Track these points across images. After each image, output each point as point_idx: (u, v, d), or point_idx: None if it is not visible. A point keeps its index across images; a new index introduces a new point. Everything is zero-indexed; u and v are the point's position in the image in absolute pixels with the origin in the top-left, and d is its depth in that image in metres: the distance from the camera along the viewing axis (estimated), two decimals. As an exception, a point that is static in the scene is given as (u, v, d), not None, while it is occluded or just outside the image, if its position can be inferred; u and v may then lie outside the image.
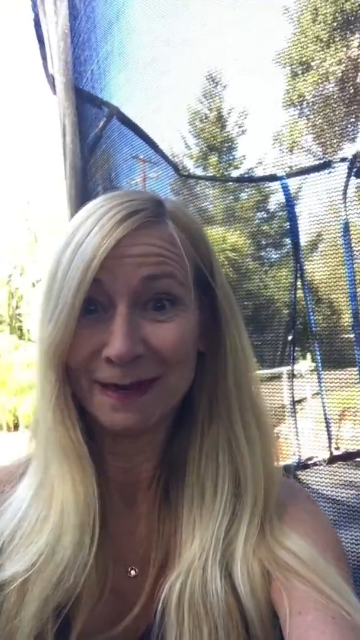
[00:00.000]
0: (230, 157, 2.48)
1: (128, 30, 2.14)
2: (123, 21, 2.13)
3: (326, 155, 1.98)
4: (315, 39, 1.80)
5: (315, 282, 2.22)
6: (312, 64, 1.87)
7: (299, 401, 2.39)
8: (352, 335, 2.14)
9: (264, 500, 0.80)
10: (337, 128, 1.89)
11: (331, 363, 2.22)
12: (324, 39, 1.79)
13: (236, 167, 2.49)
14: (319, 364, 2.25)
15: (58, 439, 0.77)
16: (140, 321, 0.72)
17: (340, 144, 1.93)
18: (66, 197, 2.22)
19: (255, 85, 1.97)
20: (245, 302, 2.34)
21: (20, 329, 24.49)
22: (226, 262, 2.58)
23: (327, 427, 2.27)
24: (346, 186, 1.92)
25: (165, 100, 2.21)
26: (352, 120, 1.84)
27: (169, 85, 2.14)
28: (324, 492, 2.04)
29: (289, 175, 2.13)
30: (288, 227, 2.25)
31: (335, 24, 1.75)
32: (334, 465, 2.18)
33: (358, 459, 2.22)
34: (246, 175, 2.48)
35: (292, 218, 2.20)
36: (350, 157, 1.91)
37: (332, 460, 2.21)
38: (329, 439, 2.26)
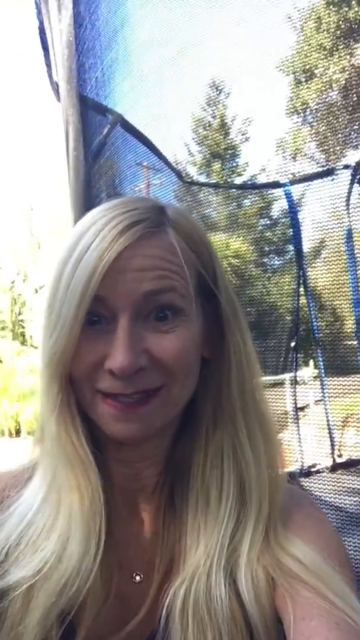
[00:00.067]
0: (234, 164, 2.49)
1: (133, 39, 2.15)
2: (128, 29, 2.14)
3: (329, 163, 1.98)
4: (318, 47, 1.81)
5: (318, 288, 2.22)
6: (316, 71, 1.88)
7: (302, 408, 2.38)
8: (355, 342, 2.14)
9: (269, 506, 0.80)
10: (340, 135, 1.90)
11: (334, 370, 2.22)
12: (328, 47, 1.80)
13: (239, 174, 2.50)
14: (322, 371, 2.25)
15: (63, 447, 0.77)
16: (142, 333, 0.72)
17: (344, 152, 1.94)
18: (70, 204, 2.23)
19: (259, 93, 1.98)
20: (248, 309, 2.34)
21: (22, 334, 24.47)
22: (229, 269, 2.58)
23: (330, 434, 2.27)
24: (349, 193, 1.93)
25: (169, 108, 2.21)
26: (356, 127, 1.84)
27: (172, 93, 2.15)
28: (327, 499, 2.03)
29: (292, 182, 2.14)
30: (291, 233, 2.26)
31: (338, 32, 1.76)
32: (336, 473, 2.18)
33: (361, 466, 2.22)
34: (249, 182, 2.49)
35: (295, 225, 2.20)
36: (353, 164, 1.91)
37: (335, 467, 2.20)
38: (332, 446, 2.26)
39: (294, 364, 2.30)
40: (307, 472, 2.24)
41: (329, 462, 2.24)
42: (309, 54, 1.85)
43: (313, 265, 2.22)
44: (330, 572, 0.73)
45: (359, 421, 2.38)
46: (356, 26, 1.78)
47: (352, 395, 2.07)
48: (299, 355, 2.32)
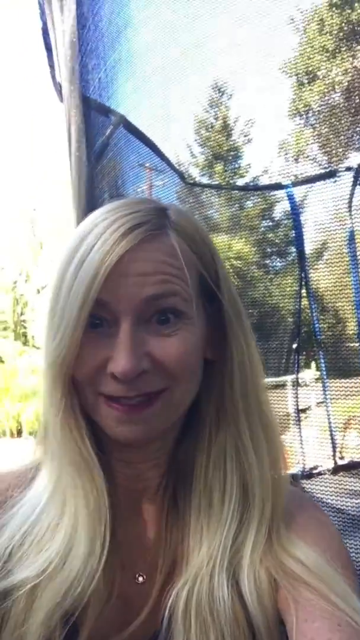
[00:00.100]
0: (236, 166, 2.49)
1: (136, 40, 2.15)
2: (131, 30, 2.15)
3: (332, 165, 1.98)
4: (321, 49, 1.81)
5: (321, 290, 2.22)
6: (319, 73, 1.88)
7: (304, 410, 2.38)
8: (357, 344, 2.14)
9: (272, 508, 0.80)
10: (342, 137, 1.90)
11: (336, 372, 2.22)
12: (330, 49, 1.80)
13: (242, 176, 2.50)
14: (324, 373, 2.25)
15: (68, 449, 0.78)
16: (144, 336, 0.72)
17: (346, 154, 1.93)
18: (72, 205, 2.23)
19: (261, 95, 1.98)
20: (250, 310, 2.34)
21: (24, 335, 24.52)
22: (231, 270, 2.58)
23: (332, 436, 2.27)
24: (352, 195, 1.92)
25: (172, 109, 2.22)
26: (358, 129, 1.84)
27: (175, 94, 2.15)
28: (328, 501, 2.03)
29: (294, 184, 2.13)
30: (293, 235, 2.25)
31: (341, 34, 1.76)
32: (338, 475, 2.18)
33: (363, 468, 2.21)
34: (252, 184, 2.49)
35: (298, 226, 2.20)
36: (355, 166, 1.91)
37: (337, 469, 2.20)
38: (334, 448, 2.25)
39: (296, 365, 2.30)
40: (308, 474, 2.24)
41: (330, 464, 2.24)
42: (311, 56, 1.85)
43: (315, 267, 2.22)
44: (332, 574, 0.73)
45: (360, 423, 2.38)
46: (359, 28, 1.78)
47: (354, 398, 2.06)
48: (300, 357, 2.31)
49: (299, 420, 2.32)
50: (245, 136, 2.40)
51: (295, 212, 2.18)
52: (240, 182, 2.51)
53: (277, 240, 2.49)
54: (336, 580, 0.72)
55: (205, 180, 2.53)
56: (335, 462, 2.25)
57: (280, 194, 2.22)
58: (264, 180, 2.37)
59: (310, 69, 1.89)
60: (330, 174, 1.96)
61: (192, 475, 0.84)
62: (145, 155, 2.31)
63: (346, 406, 2.23)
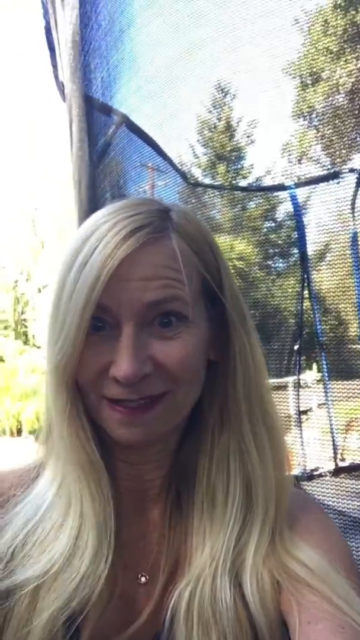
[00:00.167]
0: (239, 166, 2.48)
1: (139, 39, 2.15)
2: (134, 30, 2.14)
3: (335, 166, 1.98)
4: (325, 51, 1.81)
5: (323, 292, 2.21)
6: (322, 75, 1.88)
7: (305, 411, 2.37)
8: (359, 346, 2.13)
9: (275, 509, 0.80)
10: (346, 139, 1.89)
11: (338, 373, 2.21)
12: (335, 51, 1.79)
13: (244, 177, 2.49)
14: (326, 374, 2.24)
15: (73, 451, 0.78)
16: (146, 339, 0.72)
17: (349, 155, 1.93)
18: (75, 204, 2.23)
19: (265, 96, 1.97)
20: (251, 311, 2.33)
21: (25, 334, 24.55)
22: (233, 271, 2.58)
23: (333, 438, 2.26)
24: (355, 196, 1.92)
25: (175, 109, 2.21)
26: (362, 131, 1.84)
27: (178, 94, 2.14)
28: (329, 503, 2.02)
29: (297, 185, 2.13)
30: (296, 236, 2.25)
31: (346, 36, 1.76)
32: (339, 476, 2.17)
33: (363, 471, 2.21)
34: (254, 185, 2.49)
35: (300, 228, 2.19)
36: (359, 167, 1.91)
37: (338, 471, 2.20)
38: (335, 450, 2.25)
39: (298, 367, 2.30)
40: (309, 476, 2.24)
41: (331, 466, 2.23)
42: (315, 57, 1.85)
43: (318, 268, 2.22)
44: (335, 576, 0.73)
45: (362, 425, 2.38)
46: (363, 29, 1.77)
47: (355, 399, 2.06)
48: (302, 358, 2.31)
49: (300, 422, 2.32)
50: (248, 137, 2.39)
51: (298, 213, 2.17)
52: (243, 182, 2.51)
53: (279, 242, 2.48)
54: (339, 582, 0.72)
55: (207, 180, 2.53)
56: (337, 464, 2.24)
57: (283, 195, 2.21)
58: (267, 181, 2.37)
59: (314, 70, 1.89)
60: (334, 176, 1.96)
61: (195, 477, 0.84)
62: (148, 155, 2.31)
63: (348, 408, 2.22)
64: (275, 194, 2.31)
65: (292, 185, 2.14)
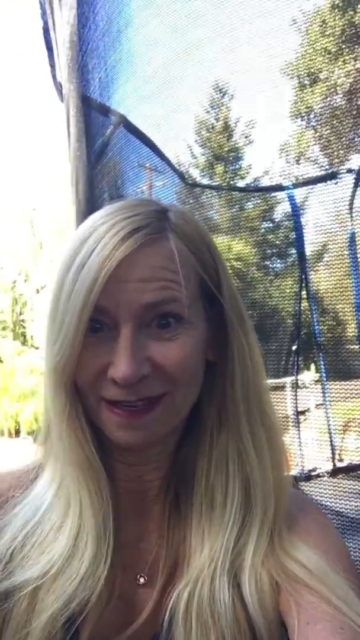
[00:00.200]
0: (237, 167, 2.48)
1: (136, 39, 2.15)
2: (131, 30, 2.14)
3: (333, 166, 1.98)
4: (323, 51, 1.81)
5: (321, 292, 2.21)
6: (320, 75, 1.88)
7: (303, 412, 2.37)
8: (357, 346, 2.13)
9: (274, 510, 0.80)
10: (344, 139, 1.89)
11: (336, 374, 2.21)
12: (332, 51, 1.79)
13: (242, 177, 2.49)
14: (324, 375, 2.24)
15: (72, 452, 0.78)
16: (144, 341, 0.72)
17: (347, 156, 1.93)
18: (72, 204, 2.23)
19: (263, 96, 1.97)
20: (249, 312, 2.33)
21: (23, 335, 24.54)
22: (231, 271, 2.57)
23: (331, 438, 2.26)
24: (353, 197, 1.92)
25: (173, 109, 2.21)
26: (360, 132, 1.84)
27: (176, 95, 2.14)
28: (327, 503, 2.02)
29: (295, 186, 2.13)
30: (294, 237, 2.25)
31: (343, 36, 1.76)
32: (337, 477, 2.17)
33: (361, 471, 2.21)
34: (252, 185, 2.49)
35: (298, 228, 2.19)
36: (357, 168, 1.91)
37: (336, 471, 2.20)
38: (333, 450, 2.25)
39: (295, 367, 2.30)
40: (307, 477, 2.24)
41: (329, 467, 2.23)
42: (313, 58, 1.85)
43: (315, 268, 2.22)
44: (334, 577, 0.73)
45: (360, 426, 2.38)
46: (361, 30, 1.77)
47: (353, 400, 2.06)
48: (300, 358, 2.31)
49: (298, 422, 2.32)
50: (246, 137, 2.39)
51: (295, 213, 2.17)
52: (240, 183, 2.51)
53: (277, 242, 2.49)
54: (338, 583, 0.72)
55: (205, 181, 2.53)
56: (334, 465, 2.24)
57: (281, 195, 2.21)
58: (265, 182, 2.37)
59: (312, 70, 1.89)
60: (332, 176, 1.96)
61: (193, 478, 0.84)
62: (145, 155, 2.31)
63: (345, 408, 2.22)
64: (273, 194, 2.31)
65: (290, 186, 2.14)
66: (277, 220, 2.41)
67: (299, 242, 2.20)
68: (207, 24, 1.94)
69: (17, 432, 18.69)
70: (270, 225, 2.46)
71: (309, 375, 2.52)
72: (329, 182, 1.98)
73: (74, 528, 0.78)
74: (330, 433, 2.26)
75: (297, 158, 2.12)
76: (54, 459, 0.82)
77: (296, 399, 2.31)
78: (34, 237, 24.65)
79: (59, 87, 2.34)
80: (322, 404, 2.28)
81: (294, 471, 2.25)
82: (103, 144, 2.27)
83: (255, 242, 2.51)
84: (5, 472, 0.92)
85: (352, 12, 1.76)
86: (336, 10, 1.78)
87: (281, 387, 2.38)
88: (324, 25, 1.79)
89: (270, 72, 1.88)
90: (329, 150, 1.99)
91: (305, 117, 2.04)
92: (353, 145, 1.89)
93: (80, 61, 2.15)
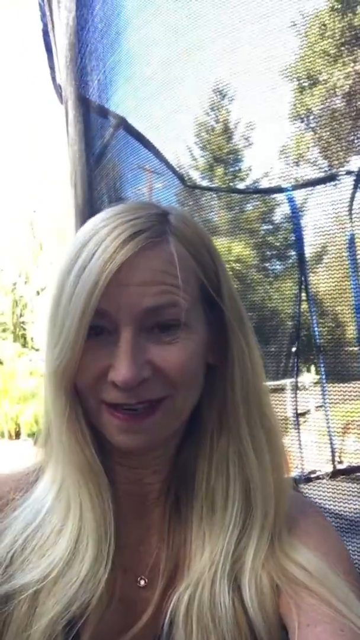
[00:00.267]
0: (236, 169, 2.48)
1: (135, 41, 2.15)
2: (130, 32, 2.14)
3: (332, 168, 1.98)
4: (322, 53, 1.81)
5: (320, 294, 2.22)
6: (320, 78, 1.88)
7: (303, 414, 2.38)
8: (356, 348, 2.13)
9: (274, 513, 0.80)
10: (343, 142, 1.89)
11: (335, 376, 2.21)
12: (332, 54, 1.79)
13: (242, 179, 2.50)
14: (323, 377, 2.25)
15: (73, 455, 0.78)
16: (145, 344, 0.72)
17: (347, 157, 1.93)
18: (72, 207, 2.23)
19: (262, 98, 1.97)
20: (249, 314, 2.33)
21: (24, 336, 24.54)
22: (231, 273, 2.57)
23: (331, 440, 2.26)
24: (352, 199, 1.92)
25: (172, 112, 2.21)
26: (359, 134, 1.84)
27: (176, 97, 2.14)
28: (327, 505, 2.02)
29: (294, 187, 2.13)
30: (293, 239, 2.26)
31: (343, 39, 1.76)
32: (337, 479, 2.17)
33: (361, 473, 2.21)
34: (252, 187, 2.49)
35: (298, 230, 2.20)
36: (356, 170, 1.91)
37: (335, 473, 2.20)
38: (332, 452, 2.25)
39: (295, 369, 2.30)
40: (307, 479, 2.24)
41: (329, 469, 2.23)
42: (313, 60, 1.85)
43: (315, 270, 2.22)
44: (334, 579, 0.73)
45: (359, 428, 2.37)
46: (361, 32, 1.78)
47: (353, 402, 2.06)
48: (299, 360, 2.31)
49: (298, 424, 2.32)
50: (245, 139, 2.39)
51: (295, 215, 2.18)
52: (240, 185, 2.51)
53: (277, 244, 2.49)
54: (338, 585, 0.72)
55: (205, 183, 2.53)
56: (334, 467, 2.25)
57: (281, 197, 2.22)
58: (264, 184, 2.37)
59: (311, 72, 1.89)
60: (331, 178, 1.96)
61: (194, 481, 0.84)
62: (145, 157, 2.31)
63: (345, 410, 2.22)
64: (273, 196, 2.32)
65: (290, 188, 2.15)
66: (276, 222, 2.41)
67: (299, 244, 2.20)
68: (206, 26, 1.94)
69: (17, 434, 18.69)
70: (270, 227, 2.46)
71: (308, 377, 2.52)
72: (328, 184, 1.98)
73: (74, 531, 0.78)
74: (330, 435, 2.26)
75: (296, 160, 2.12)
76: (54, 461, 0.82)
77: (296, 401, 2.31)
78: (34, 238, 24.66)
79: (58, 89, 2.34)
80: (321, 406, 2.28)
81: (294, 473, 2.25)
82: (102, 145, 2.27)
83: (254, 244, 2.51)
84: (5, 474, 0.92)
85: (351, 15, 1.76)
86: (335, 12, 1.78)
87: (281, 389, 2.38)
88: (323, 28, 1.79)
89: (270, 74, 1.88)
90: (328, 152, 1.99)
91: (305, 119, 2.04)
92: (352, 147, 1.89)
93: (79, 63, 2.15)
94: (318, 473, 2.25)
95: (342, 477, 2.19)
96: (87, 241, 0.73)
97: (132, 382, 0.70)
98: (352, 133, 1.83)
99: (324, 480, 2.19)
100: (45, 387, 0.79)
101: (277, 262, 2.51)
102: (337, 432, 2.29)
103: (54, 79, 2.39)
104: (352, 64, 1.76)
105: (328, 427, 2.25)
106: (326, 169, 2.01)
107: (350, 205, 1.91)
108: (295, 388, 2.32)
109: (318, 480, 2.21)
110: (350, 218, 1.92)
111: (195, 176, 2.53)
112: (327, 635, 0.66)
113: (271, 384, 2.32)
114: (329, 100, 1.88)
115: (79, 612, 0.74)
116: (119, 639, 0.79)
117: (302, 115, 2.03)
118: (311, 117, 2.02)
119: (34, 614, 0.75)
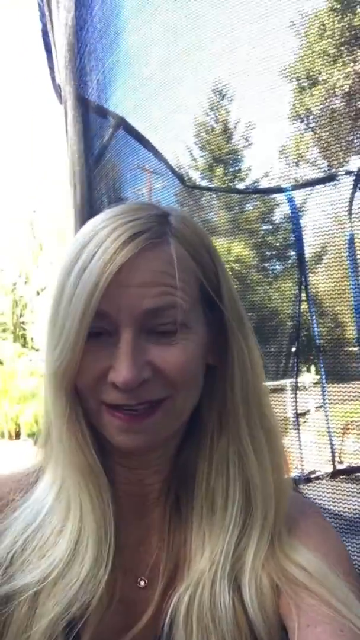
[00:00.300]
0: (236, 169, 2.48)
1: (134, 41, 2.15)
2: (130, 32, 2.14)
3: (332, 169, 1.98)
4: (322, 53, 1.81)
5: (320, 294, 2.22)
6: (319, 78, 1.88)
7: (303, 414, 2.38)
8: (356, 348, 2.13)
9: (274, 513, 0.80)
10: (343, 142, 1.89)
11: (335, 376, 2.21)
12: (331, 54, 1.79)
13: (242, 179, 2.50)
14: (323, 377, 2.25)
15: (73, 455, 0.78)
16: (145, 345, 0.72)
17: (346, 158, 1.93)
18: (72, 207, 2.23)
19: (262, 98, 1.97)
20: (249, 314, 2.33)
21: (24, 337, 24.54)
22: (230, 274, 2.57)
23: (331, 440, 2.26)
24: (351, 199, 1.92)
25: (172, 112, 2.21)
26: (359, 134, 1.84)
27: (175, 97, 2.14)
28: (327, 506, 2.02)
29: (294, 188, 2.13)
30: (293, 239, 2.25)
31: (343, 39, 1.76)
32: (336, 479, 2.17)
33: (361, 473, 2.21)
34: (251, 187, 2.48)
35: (297, 230, 2.20)
36: (356, 170, 1.91)
37: (335, 474, 2.20)
38: (332, 452, 2.25)
39: (295, 369, 2.30)
40: (307, 479, 2.24)
41: (329, 469, 2.23)
42: (312, 60, 1.85)
43: (315, 271, 2.22)
44: (334, 579, 0.73)
45: (359, 428, 2.37)
46: (360, 33, 1.77)
47: (352, 402, 2.06)
48: (299, 361, 2.31)
49: (298, 425, 2.32)
50: (245, 139, 2.39)
51: (295, 215, 2.18)
52: (240, 185, 2.51)
53: (276, 244, 2.48)
54: (338, 585, 0.73)
55: (205, 183, 2.53)
56: (334, 467, 2.24)
57: (280, 197, 2.22)
58: (264, 184, 2.37)
59: (311, 73, 1.89)
60: (330, 178, 1.96)
61: (194, 481, 0.84)
62: (145, 157, 2.31)
63: (345, 410, 2.22)
64: (272, 196, 2.32)
65: (289, 188, 2.15)
66: (276, 222, 2.41)
67: (298, 244, 2.20)
68: (205, 26, 1.94)
69: (18, 435, 18.69)
70: (270, 227, 2.46)
71: (308, 378, 2.52)
72: (328, 184, 1.98)
73: (74, 532, 0.78)
74: (329, 435, 2.26)
75: (296, 160, 2.12)
76: (55, 462, 0.82)
77: (296, 401, 2.31)
78: (34, 238, 24.65)
79: (57, 89, 2.33)
80: (321, 406, 2.28)
81: (294, 474, 2.24)
82: (102, 146, 2.27)
83: (254, 245, 2.51)
84: (5, 475, 0.92)
85: (350, 15, 1.76)
86: (335, 12, 1.78)
87: (281, 390, 2.38)
88: (323, 28, 1.79)
89: (269, 74, 1.88)
90: (327, 153, 1.99)
91: (304, 119, 2.04)
92: (352, 147, 1.89)
93: (78, 63, 2.15)
94: (318, 473, 2.25)
95: (342, 477, 2.19)
96: (87, 242, 0.73)
97: (132, 383, 0.70)
98: (352, 133, 1.83)
99: (324, 481, 2.19)
100: (45, 388, 0.79)
101: (277, 263, 2.51)
102: (337, 433, 2.29)
103: (53, 79, 2.39)
104: (351, 64, 1.75)
105: (328, 428, 2.25)
106: (326, 169, 2.01)
107: (350, 205, 1.91)
108: (295, 388, 2.32)
109: (318, 481, 2.21)
110: (350, 218, 1.92)
111: (195, 176, 2.53)
112: (327, 636, 0.66)
113: (271, 384, 2.32)
114: (328, 101, 1.88)
115: (79, 613, 0.74)
116: (119, 639, 0.79)
117: (302, 116, 2.03)
118: (311, 117, 2.02)
119: (34, 615, 0.75)
